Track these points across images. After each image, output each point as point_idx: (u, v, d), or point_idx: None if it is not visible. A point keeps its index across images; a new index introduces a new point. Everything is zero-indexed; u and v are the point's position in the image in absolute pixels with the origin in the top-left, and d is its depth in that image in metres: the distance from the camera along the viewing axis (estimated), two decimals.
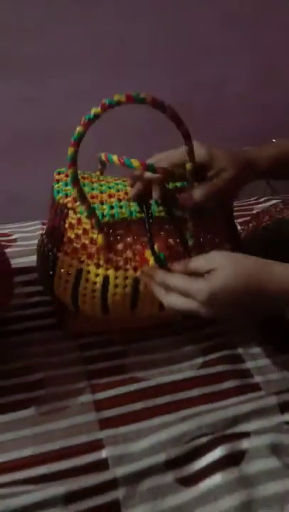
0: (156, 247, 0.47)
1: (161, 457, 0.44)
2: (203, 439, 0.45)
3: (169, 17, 0.85)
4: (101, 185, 0.52)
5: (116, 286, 0.47)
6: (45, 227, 0.62)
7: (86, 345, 0.55)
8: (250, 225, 0.69)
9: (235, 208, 0.60)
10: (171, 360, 0.55)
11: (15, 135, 0.85)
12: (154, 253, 0.47)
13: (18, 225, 0.76)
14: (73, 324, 0.55)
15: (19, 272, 0.63)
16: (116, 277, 0.47)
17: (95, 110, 0.40)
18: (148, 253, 0.47)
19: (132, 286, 0.47)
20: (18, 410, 0.48)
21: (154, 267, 0.46)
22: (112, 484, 0.42)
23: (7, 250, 0.67)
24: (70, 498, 0.40)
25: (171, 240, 0.48)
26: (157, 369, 0.53)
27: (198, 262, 0.43)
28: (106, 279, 0.47)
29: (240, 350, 0.56)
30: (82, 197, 0.45)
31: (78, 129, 0.41)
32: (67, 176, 0.52)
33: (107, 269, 0.47)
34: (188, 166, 0.45)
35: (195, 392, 0.51)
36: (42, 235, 0.55)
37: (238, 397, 0.50)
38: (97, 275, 0.48)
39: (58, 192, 0.51)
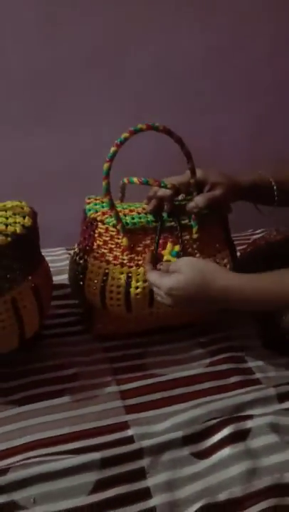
0: (169, 246, 0.59)
1: (178, 434, 0.52)
2: (214, 421, 0.53)
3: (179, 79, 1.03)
4: (123, 205, 0.63)
5: (137, 281, 0.58)
6: (70, 251, 0.74)
7: (110, 347, 0.65)
8: (248, 249, 0.80)
9: (235, 239, 0.72)
10: (183, 360, 0.63)
11: (46, 175, 0.98)
12: (155, 252, 0.58)
13: (48, 250, 0.86)
14: (99, 327, 0.64)
15: None
16: (137, 274, 0.58)
17: (124, 135, 0.53)
18: (165, 251, 0.58)
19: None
20: (55, 398, 0.56)
21: (149, 264, 0.57)
22: (138, 454, 0.49)
23: None
24: (105, 463, 0.48)
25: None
26: (172, 367, 0.62)
27: (171, 265, 0.55)
28: (129, 275, 0.58)
29: (242, 353, 0.65)
30: (111, 205, 0.57)
31: (113, 148, 0.54)
32: (96, 199, 0.63)
33: (129, 266, 0.58)
34: (192, 180, 0.58)
35: (205, 386, 0.59)
36: (74, 248, 0.65)
37: (241, 389, 0.59)
38: (121, 273, 0.58)
39: (89, 210, 0.62)
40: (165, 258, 0.59)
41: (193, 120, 1.00)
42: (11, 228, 0.49)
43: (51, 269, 0.81)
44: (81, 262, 0.61)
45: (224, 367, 0.62)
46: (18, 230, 0.50)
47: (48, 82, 0.94)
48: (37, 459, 0.48)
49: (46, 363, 0.61)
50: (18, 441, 0.50)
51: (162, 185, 0.57)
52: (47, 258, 0.83)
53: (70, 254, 0.85)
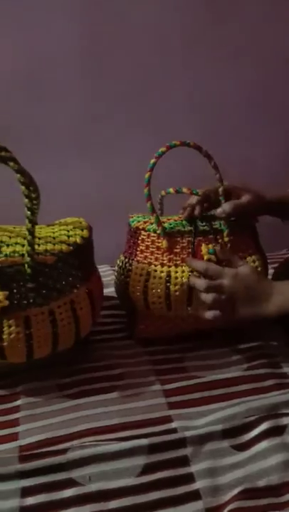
0: (204, 246, 0.66)
1: (218, 427, 0.56)
2: (251, 418, 0.57)
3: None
4: (162, 218, 0.71)
5: (176, 278, 0.65)
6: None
7: (152, 352, 0.70)
8: (282, 265, 0.85)
9: (269, 258, 0.76)
10: (221, 365, 0.68)
11: (90, 200, 1.09)
12: (193, 252, 0.66)
13: None
14: (141, 328, 0.71)
15: None
16: (176, 272, 0.65)
17: (162, 149, 0.62)
18: (204, 250, 0.65)
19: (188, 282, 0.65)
20: (105, 393, 0.62)
21: (191, 259, 0.65)
22: (181, 443, 0.54)
23: None
24: (152, 449, 0.53)
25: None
26: (211, 370, 0.67)
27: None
28: (168, 274, 0.65)
29: (277, 359, 0.69)
30: (153, 209, 0.65)
31: (152, 160, 0.63)
32: (137, 215, 0.72)
33: (169, 266, 0.66)
34: (220, 189, 0.66)
35: (242, 387, 0.63)
36: (120, 257, 0.72)
37: (277, 391, 0.62)
38: (162, 272, 0.65)
39: (133, 221, 0.71)
40: (205, 257, 0.65)
41: (223, 152, 1.10)
42: (72, 239, 0.58)
43: None
44: (126, 265, 0.69)
45: (261, 371, 0.66)
46: (78, 240, 0.58)
47: (88, 115, 1.06)
48: (92, 443, 0.53)
49: (96, 364, 0.67)
50: (74, 428, 0.56)
51: (194, 192, 0.66)
52: None
53: (114, 270, 0.93)
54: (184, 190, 0.66)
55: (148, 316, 0.69)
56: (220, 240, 0.68)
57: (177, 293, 0.66)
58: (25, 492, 0.49)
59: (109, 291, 0.78)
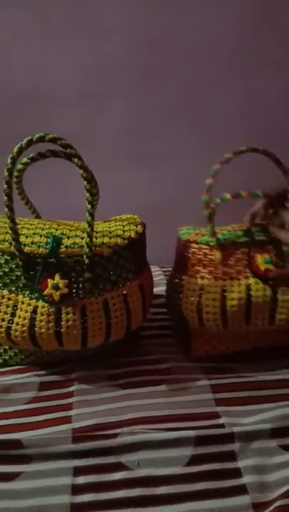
0: (260, 256, 0.62)
1: (267, 426, 0.56)
2: None
3: None
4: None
5: (232, 292, 0.62)
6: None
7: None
8: None
9: None
10: (270, 367, 0.67)
11: (140, 204, 1.12)
12: (249, 264, 0.62)
13: None
14: (196, 348, 0.68)
15: None
16: (232, 285, 0.63)
17: (228, 155, 0.61)
18: (259, 262, 0.62)
19: (246, 294, 0.62)
20: (153, 386, 0.63)
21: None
22: (229, 438, 0.54)
23: None
24: (199, 441, 0.54)
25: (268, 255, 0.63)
26: (260, 372, 0.66)
27: None
28: (224, 288, 0.63)
29: None
30: (210, 218, 0.63)
31: (215, 166, 0.61)
32: (187, 228, 0.70)
33: (224, 279, 0.63)
34: None
35: None
36: (171, 272, 0.71)
37: None
38: (216, 286, 0.63)
39: (183, 234, 0.68)
40: (261, 268, 0.62)
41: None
42: (127, 233, 0.60)
43: None
44: (177, 281, 0.66)
45: None
46: (133, 235, 0.60)
47: (140, 125, 1.10)
48: (141, 430, 0.55)
49: (145, 357, 0.69)
50: (124, 416, 0.58)
51: (254, 194, 0.62)
52: None
53: (163, 271, 0.94)
54: (243, 193, 0.61)
55: (202, 333, 0.67)
56: (284, 249, 0.63)
57: (234, 308, 0.62)
58: (78, 471, 0.51)
59: (158, 289, 0.81)
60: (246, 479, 0.50)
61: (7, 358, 0.67)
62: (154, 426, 0.56)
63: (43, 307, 0.57)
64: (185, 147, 1.11)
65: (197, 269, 0.65)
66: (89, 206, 0.55)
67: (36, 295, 0.58)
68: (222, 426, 0.57)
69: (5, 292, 0.59)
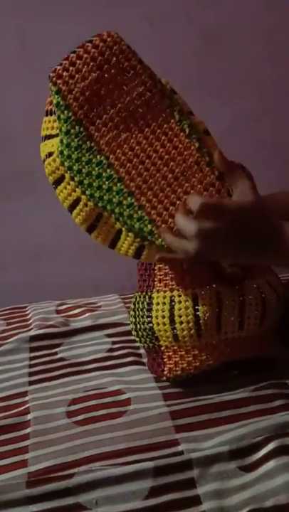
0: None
1: (225, 448, 0.56)
2: (258, 438, 0.57)
3: None
4: None
5: (203, 299, 0.61)
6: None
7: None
8: None
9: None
10: (228, 387, 0.68)
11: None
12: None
13: (101, 297, 0.97)
14: (170, 367, 0.67)
15: (106, 327, 0.83)
16: (202, 293, 0.62)
17: None
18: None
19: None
20: (112, 419, 0.62)
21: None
22: (188, 465, 0.54)
23: (95, 312, 0.88)
24: (158, 472, 0.53)
25: None
26: (217, 394, 0.66)
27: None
28: (195, 296, 0.62)
29: (285, 380, 0.68)
30: None
31: None
32: None
33: (193, 288, 0.62)
34: None
35: (250, 408, 0.63)
36: (135, 296, 0.70)
37: (286, 411, 0.62)
38: (186, 295, 0.62)
39: None
40: None
41: None
42: None
43: (105, 310, 0.91)
44: (145, 300, 0.66)
45: (269, 391, 0.66)
46: None
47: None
48: (98, 467, 0.54)
49: (105, 390, 0.68)
50: (82, 454, 0.56)
51: None
52: (101, 303, 0.95)
53: (122, 299, 0.95)
54: None
55: (176, 350, 0.66)
56: None
57: (207, 314, 0.62)
58: None
59: (118, 318, 0.83)
60: (206, 506, 0.50)
61: None
62: (112, 461, 0.55)
63: None
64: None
65: (165, 282, 0.65)
66: None
67: None
68: (181, 453, 0.56)
69: None
